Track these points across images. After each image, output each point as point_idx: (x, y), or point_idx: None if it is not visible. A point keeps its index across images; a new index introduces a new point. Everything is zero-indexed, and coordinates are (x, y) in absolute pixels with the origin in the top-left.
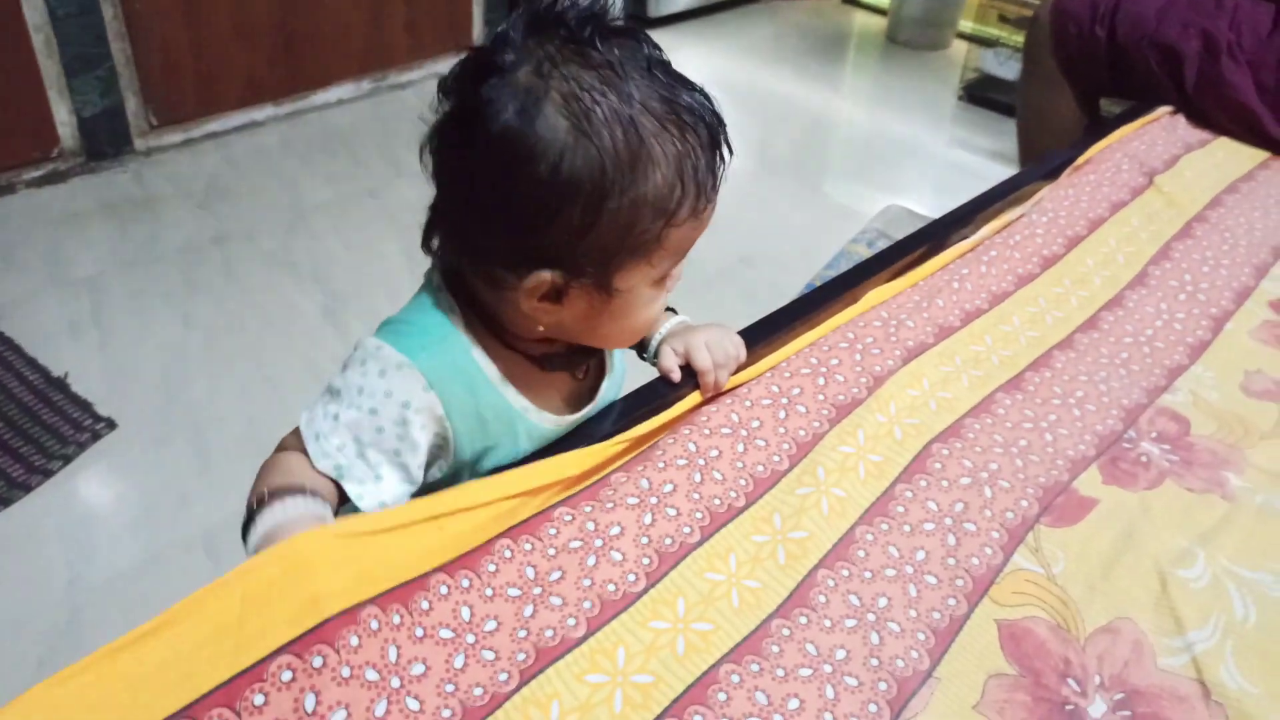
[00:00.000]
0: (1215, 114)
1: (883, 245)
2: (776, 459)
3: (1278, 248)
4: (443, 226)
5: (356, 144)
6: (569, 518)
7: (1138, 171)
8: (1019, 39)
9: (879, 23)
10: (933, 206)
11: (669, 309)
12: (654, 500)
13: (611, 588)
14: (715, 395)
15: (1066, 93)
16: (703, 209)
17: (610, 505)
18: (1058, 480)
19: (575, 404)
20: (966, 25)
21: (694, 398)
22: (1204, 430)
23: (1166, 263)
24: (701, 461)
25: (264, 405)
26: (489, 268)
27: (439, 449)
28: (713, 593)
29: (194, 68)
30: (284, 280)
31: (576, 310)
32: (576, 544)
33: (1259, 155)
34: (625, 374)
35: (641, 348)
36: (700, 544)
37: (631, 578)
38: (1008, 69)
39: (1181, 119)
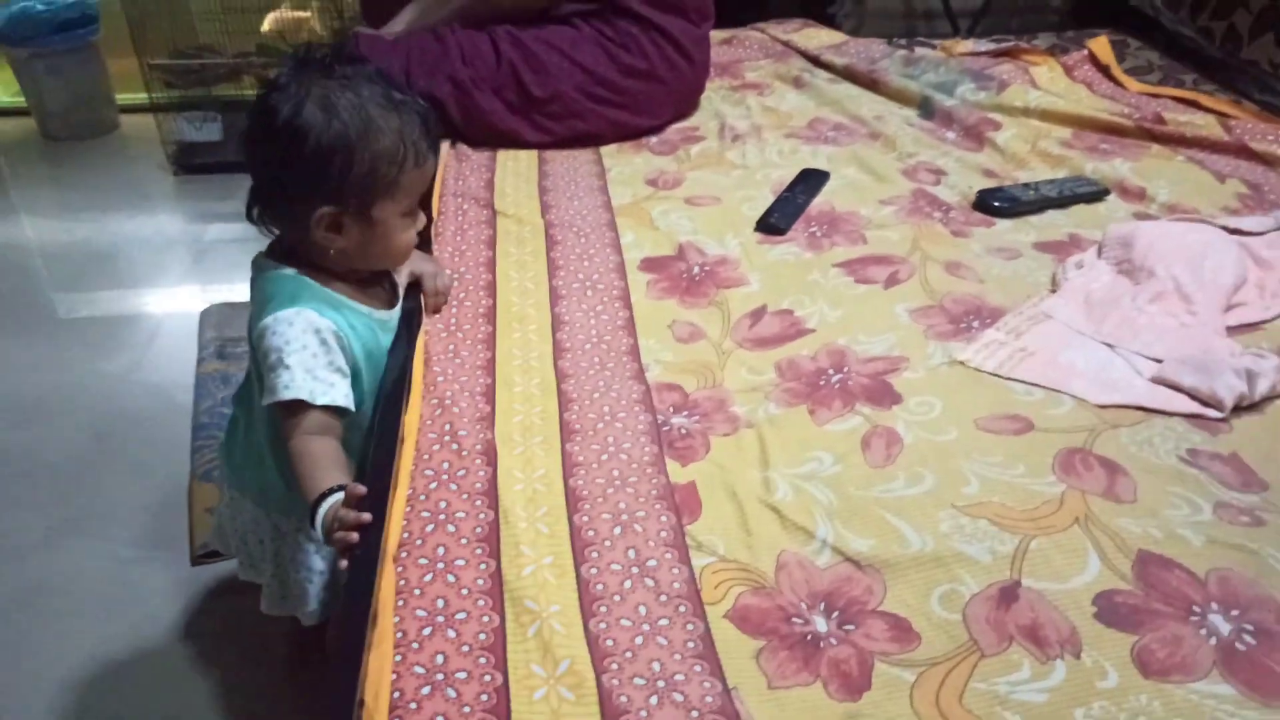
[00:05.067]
0: (484, 138)
1: (239, 351)
2: (486, 619)
3: (609, 222)
4: (260, 203)
5: None
6: None
7: (476, 205)
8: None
9: (25, 124)
10: (230, 291)
11: None
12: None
13: None
14: None
15: None
16: (422, 162)
17: None
18: (662, 485)
19: (390, 307)
20: (130, 98)
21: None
22: (691, 386)
23: (560, 271)
24: (441, 676)
25: None
26: (293, 219)
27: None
28: None
29: None
30: None
31: (353, 238)
32: None
33: (532, 154)
34: None
35: None
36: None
37: None
38: (207, 131)
39: (464, 146)
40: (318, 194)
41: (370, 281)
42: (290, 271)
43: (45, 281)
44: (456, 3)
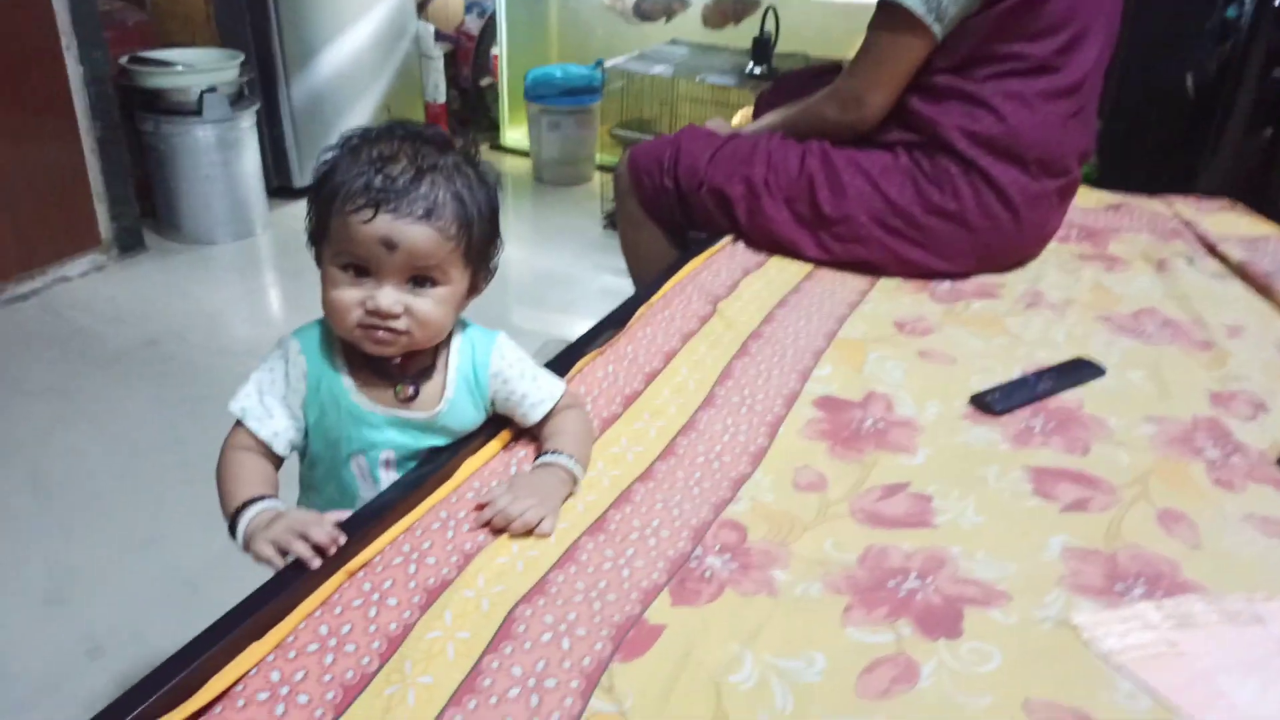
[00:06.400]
0: (765, 243)
1: None
2: (366, 661)
3: (818, 351)
4: None
5: None
6: None
7: (705, 300)
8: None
9: (525, 165)
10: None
11: (560, 462)
12: None
13: None
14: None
15: (656, 229)
16: (346, 212)
17: None
18: (630, 614)
19: (396, 408)
20: (601, 158)
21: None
22: (759, 534)
23: (729, 380)
24: (285, 690)
25: None
26: None
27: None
28: None
29: None
30: None
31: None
32: None
33: (806, 268)
34: (471, 418)
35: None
36: None
37: None
38: None
39: (741, 245)
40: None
41: (378, 363)
42: (326, 321)
43: (510, 298)
44: (793, 116)
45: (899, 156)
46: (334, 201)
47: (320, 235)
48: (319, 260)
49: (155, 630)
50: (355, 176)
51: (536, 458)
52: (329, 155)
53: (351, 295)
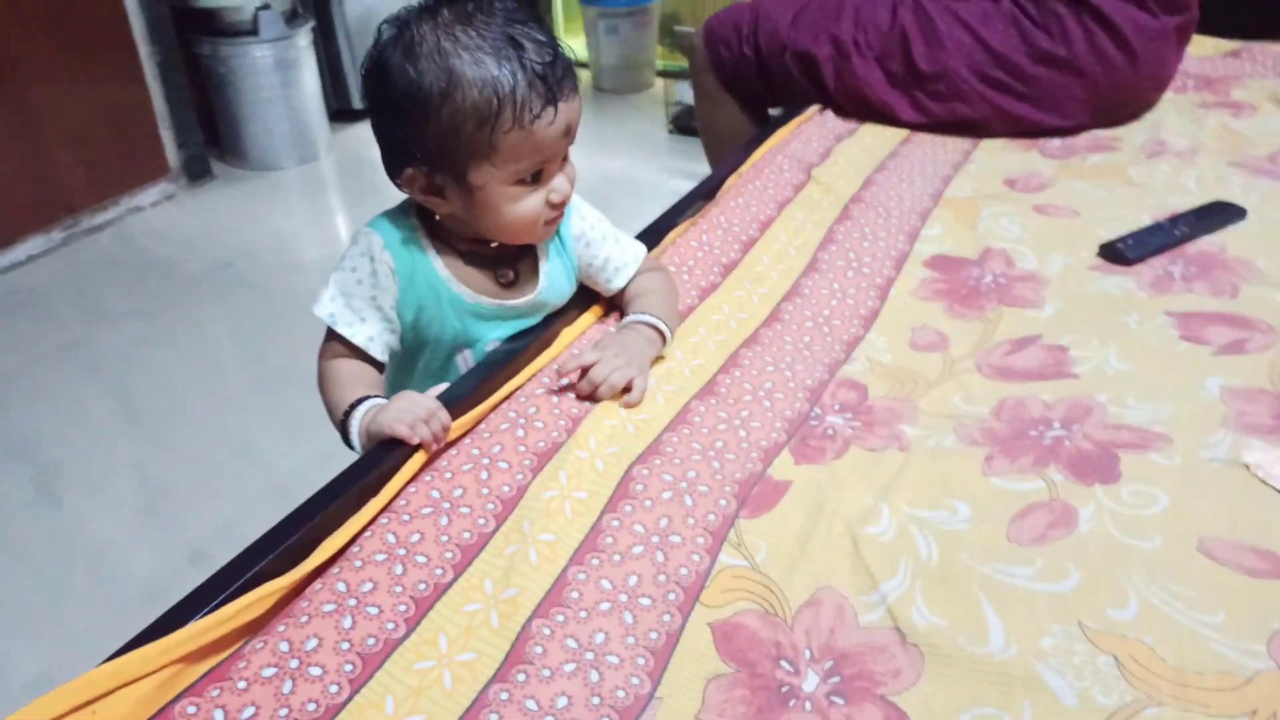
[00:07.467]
0: (855, 108)
1: None
2: (482, 522)
3: (925, 211)
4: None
5: (48, 300)
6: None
7: (797, 169)
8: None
9: (585, 75)
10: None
11: (647, 320)
12: (353, 603)
13: (312, 706)
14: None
15: (734, 106)
16: (527, 123)
17: (305, 619)
18: (753, 472)
19: (500, 297)
20: (662, 63)
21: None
22: (880, 391)
23: (832, 245)
24: (402, 551)
25: None
26: (393, 174)
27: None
28: (422, 683)
29: None
30: None
31: (456, 205)
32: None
33: (901, 133)
34: (564, 289)
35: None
36: (406, 637)
37: (335, 689)
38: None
39: (830, 114)
40: (402, 151)
41: (484, 260)
42: (404, 210)
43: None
44: None
45: (1000, 1)
46: (496, 120)
47: (459, 157)
48: (448, 180)
49: (253, 535)
50: (508, 83)
51: (621, 319)
52: (418, 74)
53: (537, 200)
